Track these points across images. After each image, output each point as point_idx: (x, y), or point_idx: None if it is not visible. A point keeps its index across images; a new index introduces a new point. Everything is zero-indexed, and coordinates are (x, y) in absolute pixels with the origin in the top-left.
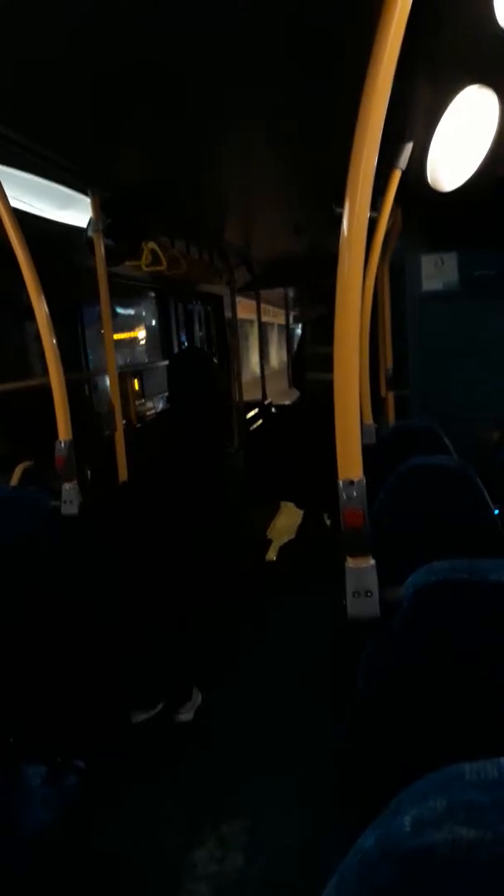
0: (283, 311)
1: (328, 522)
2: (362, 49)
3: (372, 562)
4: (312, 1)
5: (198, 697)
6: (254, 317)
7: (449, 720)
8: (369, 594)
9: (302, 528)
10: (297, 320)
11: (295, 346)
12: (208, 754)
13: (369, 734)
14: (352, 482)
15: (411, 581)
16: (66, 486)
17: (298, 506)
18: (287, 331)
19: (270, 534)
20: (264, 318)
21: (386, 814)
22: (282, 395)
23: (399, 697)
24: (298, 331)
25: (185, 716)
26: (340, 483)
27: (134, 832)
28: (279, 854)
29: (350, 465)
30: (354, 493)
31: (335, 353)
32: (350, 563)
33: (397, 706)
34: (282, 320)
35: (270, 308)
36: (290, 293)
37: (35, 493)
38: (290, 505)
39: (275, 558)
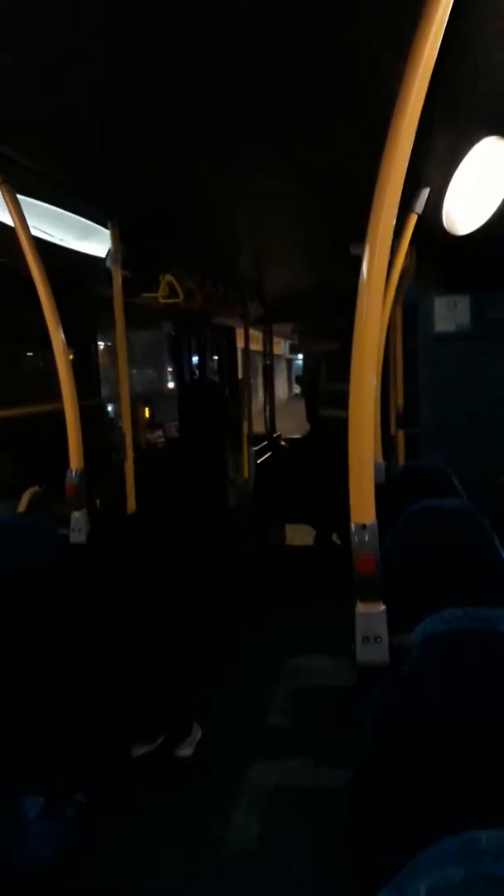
0: (283, 341)
1: (338, 542)
2: (385, 98)
3: (382, 607)
4: (339, 52)
5: (198, 733)
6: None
7: (458, 772)
8: (379, 640)
9: (309, 556)
10: (296, 351)
11: (294, 378)
12: (208, 790)
13: (376, 782)
14: (364, 526)
15: (422, 629)
16: (76, 514)
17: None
18: (289, 363)
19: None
20: (255, 347)
21: (400, 878)
22: (290, 430)
23: (407, 746)
24: (299, 362)
25: (186, 751)
26: (353, 526)
27: (131, 868)
28: (284, 890)
29: (363, 508)
30: (367, 538)
31: (351, 395)
32: (360, 607)
33: (405, 756)
34: (278, 350)
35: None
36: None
37: (43, 520)
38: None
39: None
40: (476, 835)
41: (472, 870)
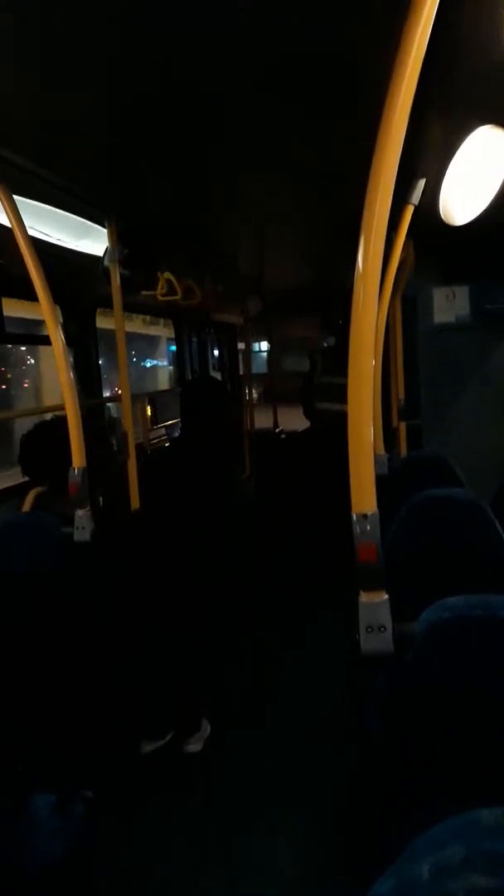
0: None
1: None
2: (377, 88)
3: (385, 596)
4: (331, 42)
5: (206, 728)
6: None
7: (463, 759)
8: (382, 629)
9: (314, 554)
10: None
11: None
12: (217, 785)
13: (382, 772)
14: (365, 515)
15: (425, 617)
16: (79, 512)
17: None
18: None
19: None
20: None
21: (403, 859)
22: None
23: (412, 734)
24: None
25: (194, 746)
26: (354, 516)
27: (141, 864)
28: (290, 891)
29: (364, 498)
30: (368, 527)
31: (349, 388)
32: (363, 597)
33: (410, 743)
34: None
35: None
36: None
37: (47, 519)
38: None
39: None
40: (477, 813)
41: (474, 848)
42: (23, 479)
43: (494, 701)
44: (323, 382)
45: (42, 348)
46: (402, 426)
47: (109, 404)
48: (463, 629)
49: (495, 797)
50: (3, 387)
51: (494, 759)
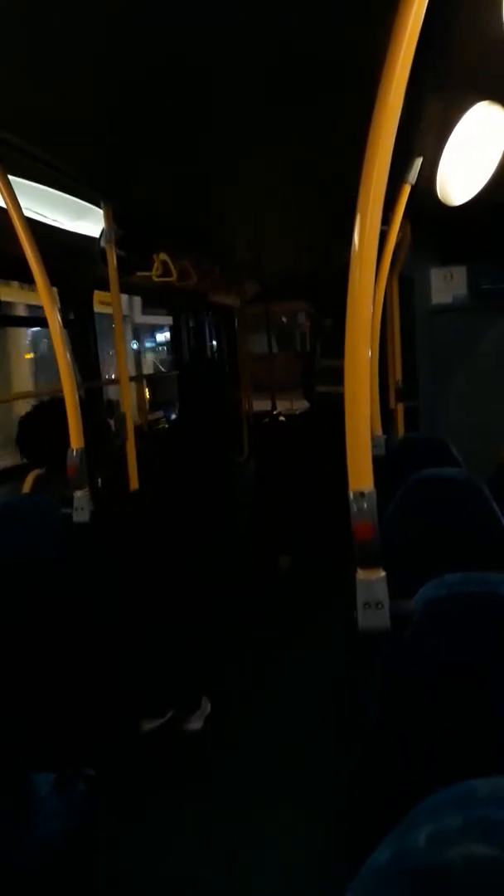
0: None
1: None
2: (373, 66)
3: (382, 574)
4: (324, 20)
5: (207, 706)
6: None
7: (462, 734)
8: (380, 606)
9: (313, 538)
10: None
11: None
12: (217, 763)
13: (383, 750)
14: (362, 494)
15: (422, 594)
16: (78, 493)
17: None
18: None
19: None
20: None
21: (400, 828)
22: None
23: (411, 711)
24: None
25: (194, 724)
26: (351, 494)
27: (142, 842)
28: (290, 870)
29: (360, 476)
30: (365, 505)
31: (346, 367)
32: (361, 574)
33: (410, 720)
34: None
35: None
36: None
37: (46, 500)
38: None
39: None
40: (473, 783)
41: (470, 815)
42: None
43: (492, 677)
44: (322, 366)
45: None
46: (400, 408)
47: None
48: (460, 606)
49: (495, 771)
50: None
51: (493, 735)
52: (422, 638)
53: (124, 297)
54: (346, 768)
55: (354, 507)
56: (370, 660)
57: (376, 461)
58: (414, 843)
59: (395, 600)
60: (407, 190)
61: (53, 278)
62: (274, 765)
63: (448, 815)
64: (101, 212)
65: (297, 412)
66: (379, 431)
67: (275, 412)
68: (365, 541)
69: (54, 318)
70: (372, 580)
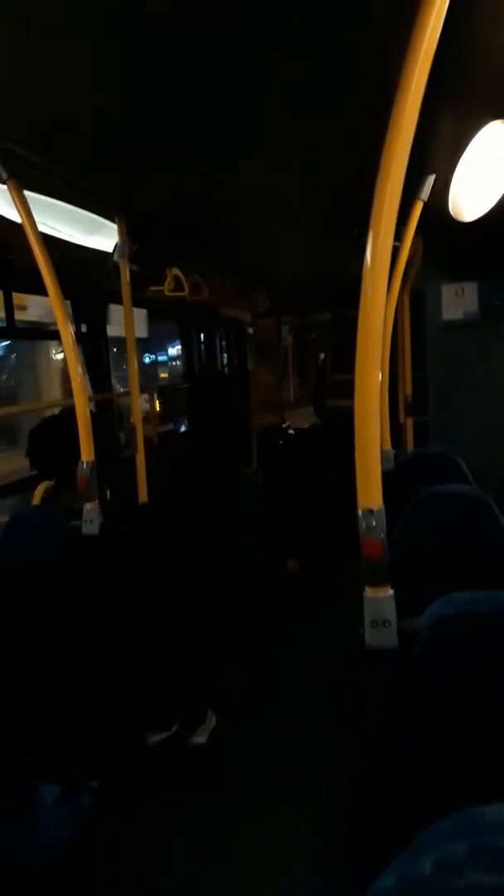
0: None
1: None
2: (387, 83)
3: (390, 592)
4: (340, 37)
5: (212, 720)
6: None
7: (466, 755)
8: (387, 624)
9: (319, 548)
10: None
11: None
12: (222, 778)
13: (387, 768)
14: (371, 511)
15: (430, 612)
16: (88, 506)
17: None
18: None
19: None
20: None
21: (406, 855)
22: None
23: (415, 729)
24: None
25: (200, 738)
26: (360, 512)
27: (146, 855)
28: (293, 884)
29: (369, 494)
30: (374, 523)
31: (357, 381)
32: (369, 592)
33: (413, 738)
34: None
35: None
36: None
37: (55, 511)
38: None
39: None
40: (480, 810)
41: (477, 843)
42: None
43: (499, 697)
44: (333, 380)
45: None
46: (409, 422)
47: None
48: (468, 625)
49: (499, 794)
50: None
51: (498, 755)
52: (428, 657)
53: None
54: (349, 779)
55: (363, 525)
56: (375, 676)
57: (385, 476)
58: (420, 871)
59: (403, 618)
60: (419, 206)
61: (67, 292)
62: (277, 774)
63: (454, 843)
64: (114, 227)
65: (306, 426)
66: (388, 446)
67: (284, 425)
68: (373, 558)
69: (67, 332)
70: (379, 598)
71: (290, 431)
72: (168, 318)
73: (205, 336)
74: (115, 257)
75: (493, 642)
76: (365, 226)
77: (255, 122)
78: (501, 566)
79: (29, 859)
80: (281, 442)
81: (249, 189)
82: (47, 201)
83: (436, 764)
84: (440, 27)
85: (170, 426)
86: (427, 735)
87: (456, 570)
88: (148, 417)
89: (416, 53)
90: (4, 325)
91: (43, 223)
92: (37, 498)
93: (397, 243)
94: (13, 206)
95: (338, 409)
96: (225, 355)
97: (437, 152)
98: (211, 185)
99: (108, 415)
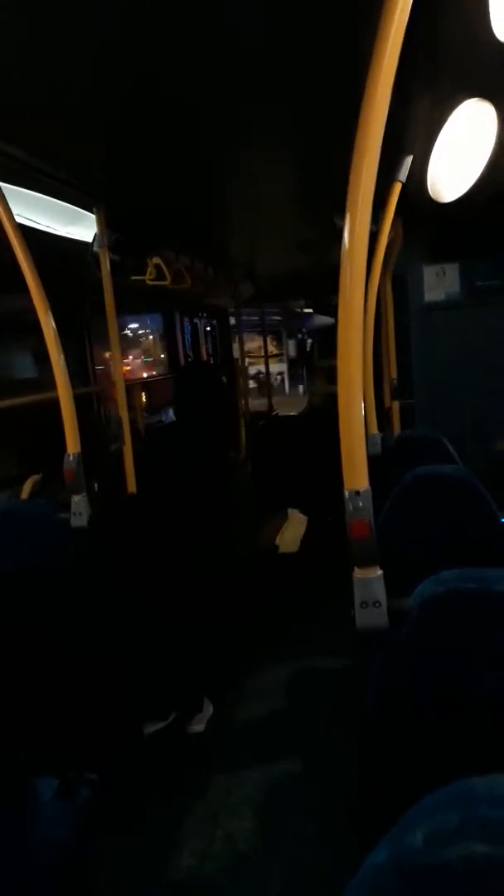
0: None
1: (329, 520)
2: (361, 64)
3: (379, 572)
4: (310, 18)
5: (209, 709)
6: None
7: (461, 732)
8: (377, 605)
9: (310, 535)
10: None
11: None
12: (220, 766)
13: (383, 747)
14: (358, 492)
15: (419, 591)
16: (76, 498)
17: (304, 511)
18: None
19: (279, 542)
20: None
21: (397, 829)
22: None
23: (410, 709)
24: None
25: (197, 727)
26: (346, 493)
27: (145, 846)
28: (294, 870)
29: (356, 475)
30: (360, 504)
31: (339, 365)
32: (358, 573)
33: (408, 719)
34: None
35: None
36: None
37: (44, 505)
38: (297, 512)
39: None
40: (470, 782)
41: (468, 815)
42: None
43: (489, 674)
44: (319, 366)
45: None
46: (395, 405)
47: None
48: (457, 602)
49: (492, 768)
50: None
51: (490, 732)
52: (419, 635)
53: None
54: (349, 767)
55: (350, 506)
56: (369, 657)
57: (372, 459)
58: (412, 844)
59: (393, 598)
60: (398, 188)
61: (47, 284)
62: (275, 760)
63: (446, 815)
64: (93, 217)
65: (294, 412)
66: (375, 430)
67: (272, 412)
68: (361, 539)
69: (48, 324)
70: (369, 579)
71: (278, 419)
72: (151, 308)
73: (189, 324)
74: (95, 247)
75: (482, 619)
76: (342, 210)
77: (230, 108)
78: (489, 544)
79: (29, 853)
80: (269, 429)
81: (228, 175)
82: (24, 192)
83: (429, 740)
84: (409, 5)
85: (157, 417)
86: (420, 715)
87: (444, 549)
88: (134, 408)
89: (387, 33)
90: None
91: (20, 214)
92: (25, 492)
93: (376, 226)
94: None
95: (325, 393)
96: (209, 344)
97: (414, 132)
98: (189, 172)
99: (91, 407)
